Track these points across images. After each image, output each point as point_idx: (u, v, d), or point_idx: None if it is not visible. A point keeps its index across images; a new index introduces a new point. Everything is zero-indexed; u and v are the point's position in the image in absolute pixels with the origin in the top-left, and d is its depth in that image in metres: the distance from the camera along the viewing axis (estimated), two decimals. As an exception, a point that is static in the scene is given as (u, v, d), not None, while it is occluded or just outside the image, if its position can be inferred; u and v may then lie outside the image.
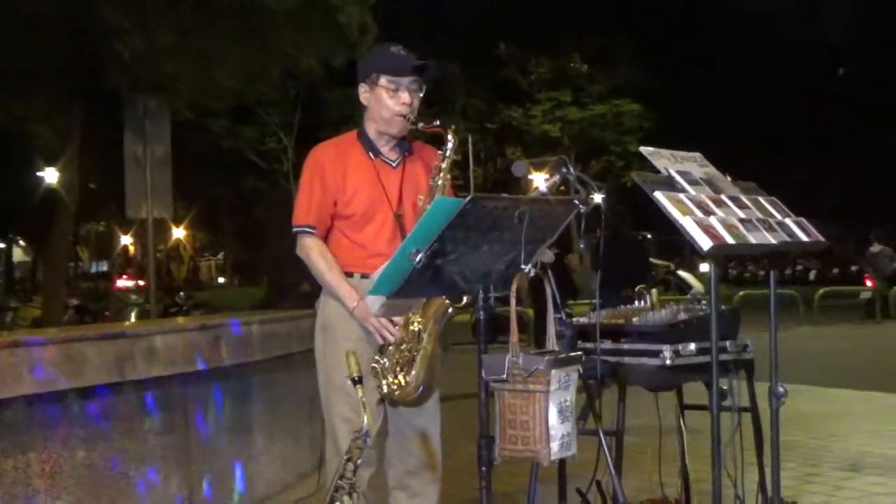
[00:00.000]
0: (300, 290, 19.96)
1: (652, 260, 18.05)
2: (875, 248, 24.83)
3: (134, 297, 28.62)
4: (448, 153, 4.15)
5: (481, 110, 40.66)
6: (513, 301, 3.36)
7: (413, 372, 4.01)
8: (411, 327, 4.03)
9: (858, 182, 40.71)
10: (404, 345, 4.03)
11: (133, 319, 22.66)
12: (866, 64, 40.31)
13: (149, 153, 12.30)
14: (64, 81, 16.66)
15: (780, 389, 4.32)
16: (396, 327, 4.05)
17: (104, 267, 60.55)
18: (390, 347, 4.05)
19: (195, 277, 65.60)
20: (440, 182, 4.12)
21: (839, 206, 41.88)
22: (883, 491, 6.19)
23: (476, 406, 3.31)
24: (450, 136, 4.14)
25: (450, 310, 4.01)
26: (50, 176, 26.55)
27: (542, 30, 38.64)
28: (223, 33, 15.77)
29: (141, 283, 42.77)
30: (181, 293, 30.66)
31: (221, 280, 69.86)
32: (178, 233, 55.15)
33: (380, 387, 3.99)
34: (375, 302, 3.89)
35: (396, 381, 4.01)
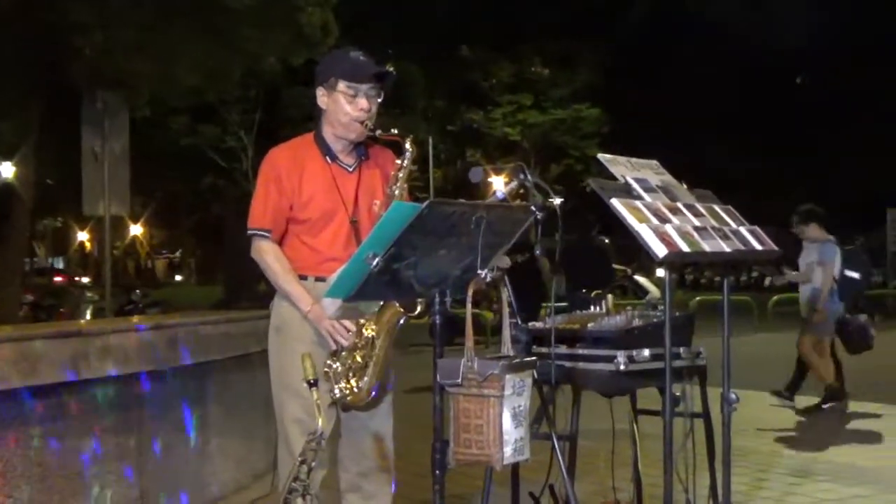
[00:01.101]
0: (258, 289, 19.90)
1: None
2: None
3: (89, 294, 28.34)
4: (405, 162, 4.16)
5: (443, 112, 40.65)
6: (468, 305, 3.38)
7: (365, 378, 4.01)
8: (365, 333, 4.03)
9: (815, 188, 41.04)
10: (357, 350, 4.03)
11: (88, 317, 22.49)
12: (824, 70, 40.64)
13: (107, 149, 12.23)
14: (22, 76, 16.52)
15: (733, 396, 4.37)
16: (350, 332, 4.05)
17: (60, 263, 60.11)
18: (343, 352, 4.05)
19: (152, 275, 65.18)
20: (397, 192, 4.13)
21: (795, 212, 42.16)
22: (832, 497, 6.26)
23: (430, 408, 3.33)
24: (407, 146, 4.15)
25: (402, 319, 4.02)
26: (6, 170, 26.30)
27: (504, 33, 38.69)
28: (184, 31, 15.71)
29: (85, 279, 42.07)
30: (137, 291, 30.43)
31: (178, 278, 69.49)
32: (136, 230, 54.82)
33: (331, 391, 3.99)
34: (331, 305, 3.90)
35: (349, 387, 4.01)
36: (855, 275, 10.36)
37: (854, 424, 9.09)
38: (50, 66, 16.23)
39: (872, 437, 8.42)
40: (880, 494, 6.33)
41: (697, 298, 21.59)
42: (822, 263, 10.23)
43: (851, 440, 8.27)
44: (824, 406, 9.90)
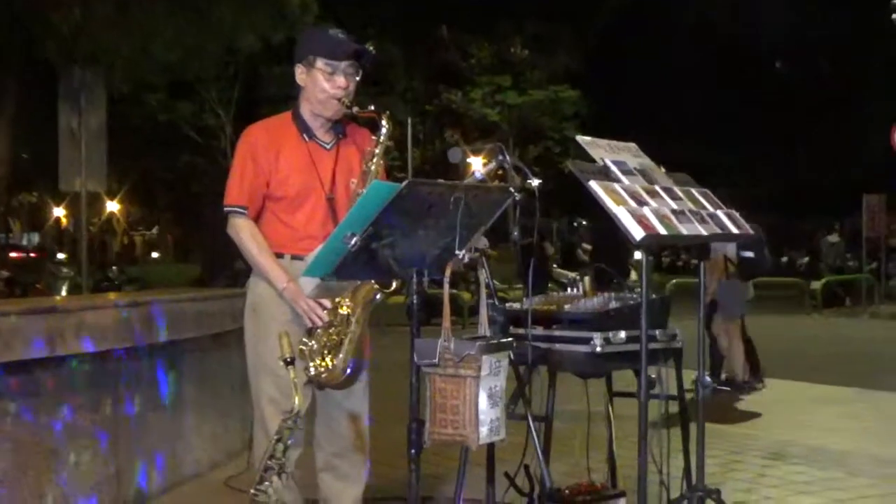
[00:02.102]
0: (235, 267, 19.88)
1: (585, 245, 18.18)
2: (832, 238, 25.02)
3: (65, 270, 28.24)
4: (382, 138, 4.16)
5: (421, 92, 40.58)
6: (446, 286, 3.38)
7: (340, 355, 4.01)
8: (340, 311, 4.03)
9: (793, 174, 41.21)
10: (332, 328, 4.03)
11: (64, 293, 22.42)
12: (803, 56, 40.76)
13: (83, 126, 12.14)
14: (-2, 51, 16.43)
15: (707, 379, 4.40)
16: (325, 311, 4.05)
17: (36, 240, 59.77)
18: (318, 330, 4.05)
19: (128, 252, 64.94)
20: (373, 168, 4.13)
21: (772, 198, 42.39)
22: (803, 479, 6.31)
23: (407, 388, 3.34)
24: (384, 122, 4.15)
25: (378, 295, 4.03)
26: (-19, 146, 26.14)
27: (483, 14, 38.64)
28: (162, 7, 15.62)
29: (61, 256, 41.41)
30: (114, 267, 30.35)
31: (155, 255, 69.25)
32: (112, 206, 54.54)
33: (307, 369, 3.99)
34: (309, 284, 3.90)
35: (324, 364, 4.01)
36: (749, 254, 10.38)
37: (828, 408, 9.14)
38: (26, 41, 16.10)
39: (846, 422, 8.48)
40: (851, 478, 6.38)
41: (674, 281, 21.63)
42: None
43: (825, 424, 8.32)
44: (720, 388, 9.79)
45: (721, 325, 10.16)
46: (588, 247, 17.81)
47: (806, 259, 31.18)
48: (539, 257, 10.56)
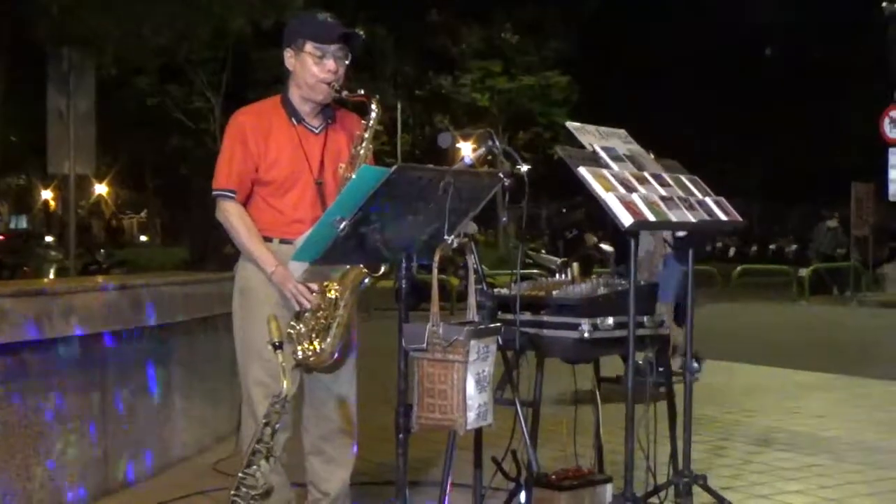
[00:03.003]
0: (223, 252, 19.83)
1: (602, 247, 18.20)
2: (832, 223, 24.94)
3: (53, 253, 28.14)
4: (371, 123, 4.16)
5: (411, 77, 40.53)
6: (434, 271, 3.39)
7: (328, 339, 4.03)
8: (328, 295, 4.04)
9: (781, 161, 41.30)
10: (320, 312, 4.04)
11: (52, 276, 22.35)
12: (793, 42, 40.78)
13: (72, 108, 12.11)
14: (-15, 33, 16.34)
15: (695, 365, 4.41)
16: (313, 294, 4.06)
17: (24, 223, 59.61)
18: (306, 314, 4.06)
19: (116, 235, 64.80)
20: (362, 152, 4.13)
21: (762, 186, 42.50)
22: (790, 465, 6.34)
23: (394, 371, 3.35)
24: (373, 106, 4.15)
25: (367, 279, 4.03)
26: (-31, 128, 26.06)
27: (473, -1, 38.66)
28: (153, -10, 15.56)
29: (49, 238, 41.14)
30: (102, 251, 30.24)
31: (143, 238, 69.07)
32: (101, 189, 54.41)
33: (294, 352, 4.00)
34: (298, 268, 3.90)
35: (312, 348, 4.02)
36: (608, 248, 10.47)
37: (815, 395, 9.17)
38: (15, 23, 16.02)
39: (833, 408, 8.51)
40: (837, 464, 6.40)
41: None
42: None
43: (812, 411, 8.35)
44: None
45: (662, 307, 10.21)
46: (605, 247, 17.78)
47: (794, 247, 31.23)
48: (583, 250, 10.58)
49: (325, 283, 4.04)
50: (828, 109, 38.35)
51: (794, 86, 39.08)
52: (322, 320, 4.04)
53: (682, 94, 38.63)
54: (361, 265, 3.95)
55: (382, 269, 3.91)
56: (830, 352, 12.68)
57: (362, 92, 4.18)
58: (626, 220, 3.89)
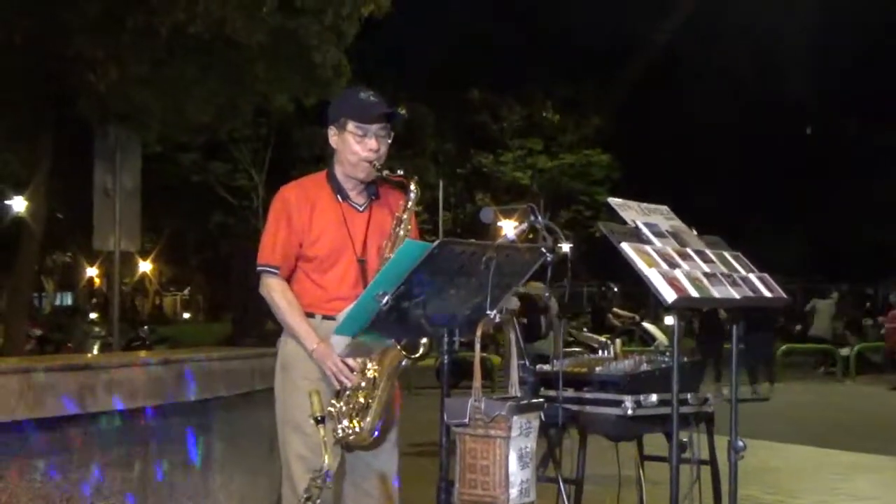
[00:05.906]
0: (265, 328, 19.88)
1: (616, 311, 18.15)
2: (828, 301, 24.87)
3: (97, 329, 28.36)
4: (409, 204, 4.18)
5: (452, 155, 40.79)
6: (477, 346, 3.38)
7: (368, 419, 4.01)
8: (367, 374, 4.03)
9: (820, 238, 41.08)
10: (360, 390, 4.03)
11: (95, 352, 22.48)
12: (830, 120, 40.77)
13: (118, 185, 12.23)
14: (32, 109, 16.53)
15: (740, 443, 4.35)
16: (354, 372, 4.05)
17: (69, 299, 60.09)
18: (347, 392, 4.05)
19: (160, 312, 65.14)
20: (401, 233, 4.14)
21: (802, 262, 42.22)
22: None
23: (436, 448, 3.32)
24: (412, 187, 4.17)
25: (404, 361, 4.01)
26: (18, 205, 26.42)
27: (512, 75, 38.97)
28: (195, 67, 15.73)
29: (93, 315, 41.47)
30: (145, 327, 30.45)
31: (186, 315, 69.43)
32: (145, 266, 54.87)
33: (335, 430, 3.98)
34: (340, 342, 3.89)
35: (351, 426, 4.01)
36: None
37: (862, 476, 9.03)
38: (60, 99, 16.25)
39: (879, 490, 8.37)
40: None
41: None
42: None
43: (858, 492, 8.22)
44: None
45: None
46: (622, 312, 17.72)
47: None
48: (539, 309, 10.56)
49: (364, 362, 4.03)
50: (868, 186, 38.17)
51: (835, 162, 39.03)
52: (361, 399, 4.03)
53: (724, 170, 38.66)
54: (399, 347, 3.93)
55: (420, 350, 3.89)
56: (879, 432, 12.49)
57: (401, 173, 4.20)
58: (670, 296, 3.86)
